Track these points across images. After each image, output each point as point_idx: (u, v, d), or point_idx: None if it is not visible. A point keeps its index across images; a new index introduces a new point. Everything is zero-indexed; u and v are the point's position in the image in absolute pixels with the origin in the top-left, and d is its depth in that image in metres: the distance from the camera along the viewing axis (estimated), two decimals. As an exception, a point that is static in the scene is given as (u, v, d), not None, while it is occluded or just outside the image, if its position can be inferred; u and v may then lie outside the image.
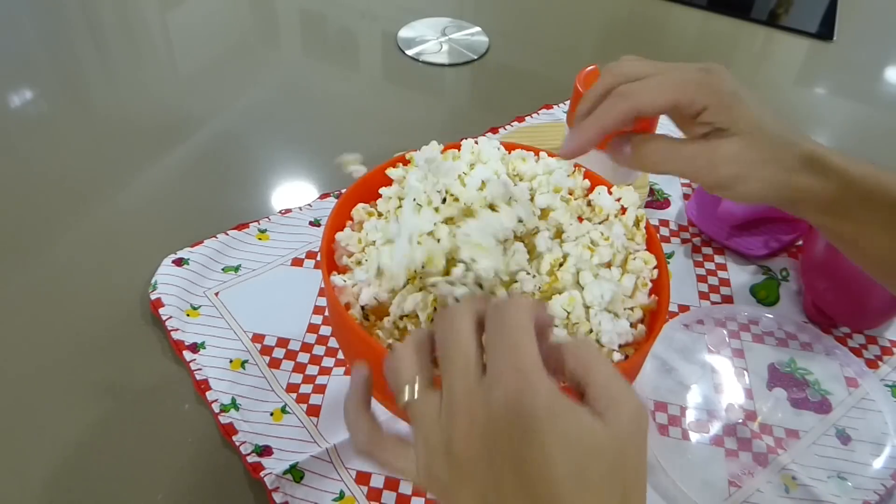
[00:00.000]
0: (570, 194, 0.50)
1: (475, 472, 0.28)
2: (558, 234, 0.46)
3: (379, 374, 0.42)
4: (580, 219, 0.48)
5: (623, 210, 0.48)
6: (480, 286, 0.40)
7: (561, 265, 0.43)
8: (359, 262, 0.45)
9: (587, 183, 0.51)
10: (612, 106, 0.39)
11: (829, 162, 0.40)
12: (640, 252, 0.46)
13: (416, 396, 0.31)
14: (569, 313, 0.41)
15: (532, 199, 0.47)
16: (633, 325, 0.43)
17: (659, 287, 0.44)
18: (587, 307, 0.42)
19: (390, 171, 0.50)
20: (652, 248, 0.46)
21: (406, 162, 0.51)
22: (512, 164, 0.51)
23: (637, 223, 0.46)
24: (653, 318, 0.43)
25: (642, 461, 0.29)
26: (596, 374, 0.29)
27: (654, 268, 0.45)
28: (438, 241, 0.41)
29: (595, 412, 0.28)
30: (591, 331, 0.41)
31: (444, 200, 0.43)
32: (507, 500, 0.27)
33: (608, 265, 0.44)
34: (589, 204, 0.49)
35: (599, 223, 0.48)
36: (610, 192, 0.49)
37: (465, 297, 0.38)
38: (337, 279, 0.43)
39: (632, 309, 0.43)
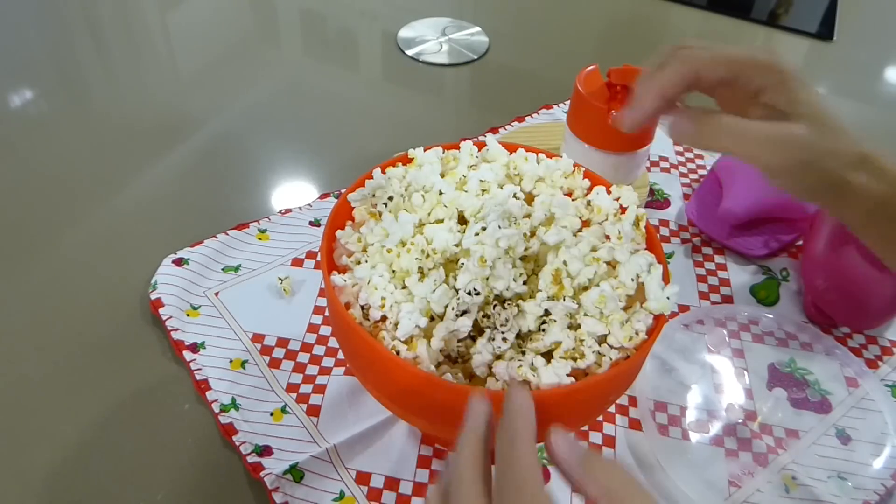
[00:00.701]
0: (570, 195, 0.50)
1: None
2: (550, 221, 0.47)
3: (380, 374, 0.42)
4: (585, 223, 0.48)
5: (623, 209, 0.48)
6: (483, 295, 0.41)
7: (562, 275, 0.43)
8: (358, 262, 0.45)
9: (587, 183, 0.51)
10: (672, 69, 0.38)
11: (884, 163, 0.39)
12: (639, 251, 0.45)
13: None
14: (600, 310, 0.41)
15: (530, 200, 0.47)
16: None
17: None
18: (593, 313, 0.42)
19: (390, 171, 0.50)
20: (652, 248, 0.46)
21: (407, 161, 0.51)
22: (513, 163, 0.51)
23: (637, 223, 0.46)
24: (653, 318, 0.43)
25: None
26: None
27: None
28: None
29: None
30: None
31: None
32: None
33: (611, 265, 0.44)
34: (588, 204, 0.49)
35: (599, 224, 0.48)
36: (609, 192, 0.49)
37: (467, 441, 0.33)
38: (337, 279, 0.43)
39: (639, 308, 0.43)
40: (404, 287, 0.43)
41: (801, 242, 0.70)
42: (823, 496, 0.50)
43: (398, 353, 0.40)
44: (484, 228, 0.42)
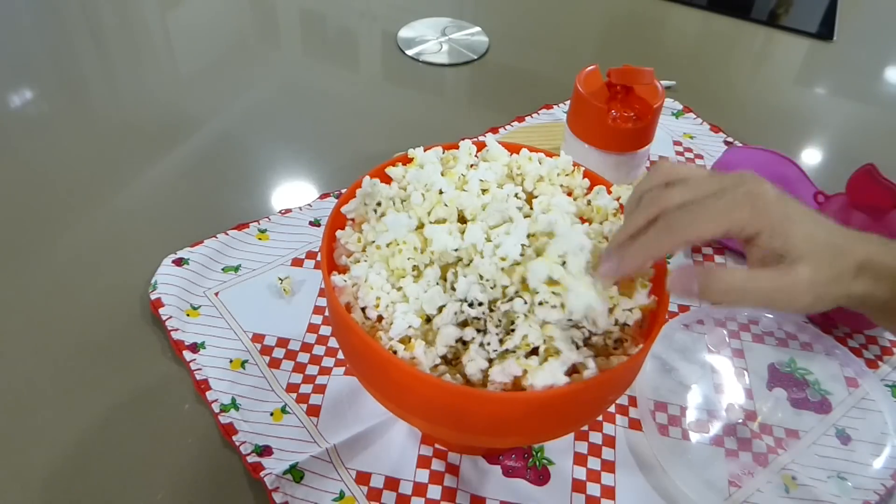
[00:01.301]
0: (570, 194, 0.50)
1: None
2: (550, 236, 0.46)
3: (379, 374, 0.42)
4: (582, 219, 0.48)
5: (622, 208, 0.48)
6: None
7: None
8: (357, 261, 0.45)
9: (587, 182, 0.51)
10: (660, 239, 0.38)
11: (882, 265, 0.38)
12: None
13: None
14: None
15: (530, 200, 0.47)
16: (631, 326, 0.43)
17: (658, 287, 0.44)
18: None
19: (390, 170, 0.50)
20: None
21: (407, 161, 0.51)
22: (516, 163, 0.51)
23: None
24: (652, 318, 0.43)
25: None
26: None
27: (652, 266, 0.45)
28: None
29: None
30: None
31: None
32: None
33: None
34: (588, 204, 0.49)
35: (600, 223, 0.48)
36: (609, 192, 0.49)
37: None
38: (337, 279, 0.43)
39: (630, 310, 0.43)
40: (400, 288, 0.43)
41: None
42: (823, 496, 0.50)
43: (395, 352, 0.40)
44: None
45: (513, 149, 0.52)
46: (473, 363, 0.40)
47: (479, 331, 0.41)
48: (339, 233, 0.46)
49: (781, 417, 0.56)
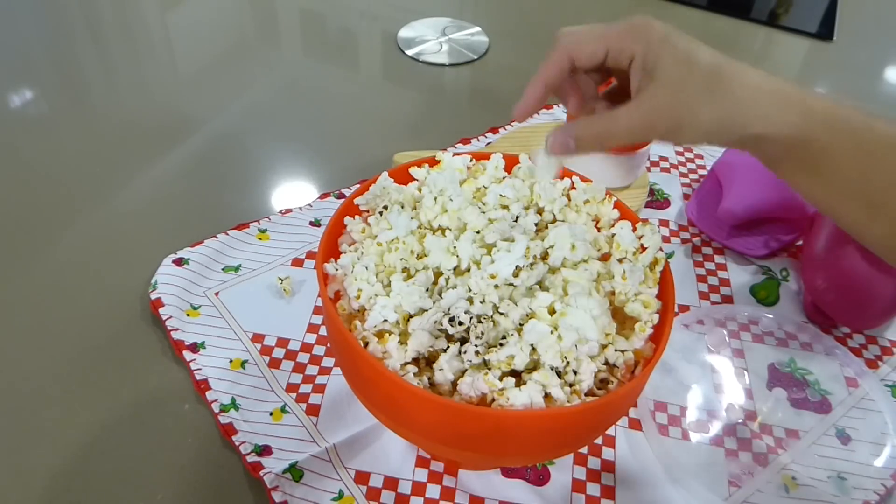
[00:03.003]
0: (596, 223, 0.48)
1: None
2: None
3: (363, 380, 0.42)
4: (604, 257, 0.46)
5: (642, 248, 0.45)
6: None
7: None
8: (356, 251, 0.45)
9: (616, 213, 0.48)
10: (548, 56, 0.39)
11: (804, 104, 0.37)
12: (641, 295, 0.43)
13: None
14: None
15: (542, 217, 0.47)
16: (620, 369, 0.41)
17: (659, 334, 0.42)
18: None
19: (414, 170, 0.50)
20: (664, 295, 0.44)
21: (434, 163, 0.51)
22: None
23: (653, 266, 0.44)
24: (645, 365, 0.41)
25: None
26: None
27: (656, 312, 0.43)
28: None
29: None
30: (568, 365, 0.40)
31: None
32: None
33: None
34: (612, 238, 0.46)
35: (618, 260, 0.45)
36: (634, 229, 0.46)
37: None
38: (329, 267, 0.43)
39: (623, 351, 0.41)
40: (389, 284, 0.42)
41: (801, 242, 0.70)
42: (823, 496, 0.50)
43: (367, 344, 0.40)
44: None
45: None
46: (441, 373, 0.39)
47: (459, 341, 0.41)
48: (347, 219, 0.47)
49: (781, 417, 0.56)
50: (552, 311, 0.41)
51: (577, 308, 0.40)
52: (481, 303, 0.41)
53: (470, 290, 0.41)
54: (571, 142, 0.39)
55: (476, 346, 0.39)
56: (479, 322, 0.40)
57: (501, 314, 0.41)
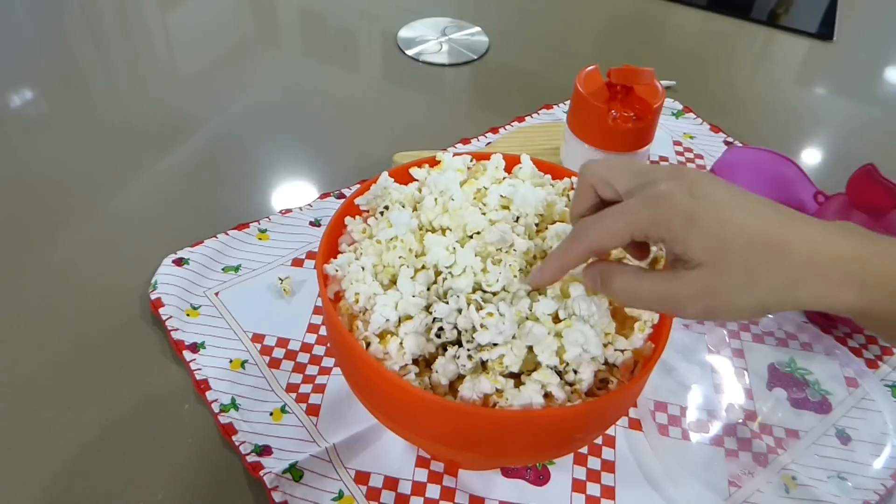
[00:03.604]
0: None
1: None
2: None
3: (364, 380, 0.42)
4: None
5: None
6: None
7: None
8: (355, 251, 0.45)
9: None
10: (567, 249, 0.37)
11: (869, 273, 0.33)
12: None
13: None
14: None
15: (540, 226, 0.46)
16: (619, 368, 0.41)
17: (659, 334, 0.42)
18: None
19: (414, 171, 0.50)
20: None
21: (434, 163, 0.50)
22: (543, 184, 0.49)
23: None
24: (644, 364, 0.41)
25: None
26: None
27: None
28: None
29: None
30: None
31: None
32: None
33: None
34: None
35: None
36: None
37: None
38: (329, 268, 0.43)
39: (623, 351, 0.41)
40: (392, 283, 0.42)
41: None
42: (823, 496, 0.50)
43: (368, 345, 0.40)
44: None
45: (557, 172, 0.50)
46: (436, 376, 0.39)
47: (453, 344, 0.41)
48: (347, 219, 0.47)
49: (781, 417, 0.56)
50: (556, 319, 0.40)
51: (581, 322, 0.40)
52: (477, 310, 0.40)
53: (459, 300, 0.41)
54: (599, 283, 0.38)
55: (468, 350, 0.39)
56: (465, 332, 0.40)
57: (501, 315, 0.40)
